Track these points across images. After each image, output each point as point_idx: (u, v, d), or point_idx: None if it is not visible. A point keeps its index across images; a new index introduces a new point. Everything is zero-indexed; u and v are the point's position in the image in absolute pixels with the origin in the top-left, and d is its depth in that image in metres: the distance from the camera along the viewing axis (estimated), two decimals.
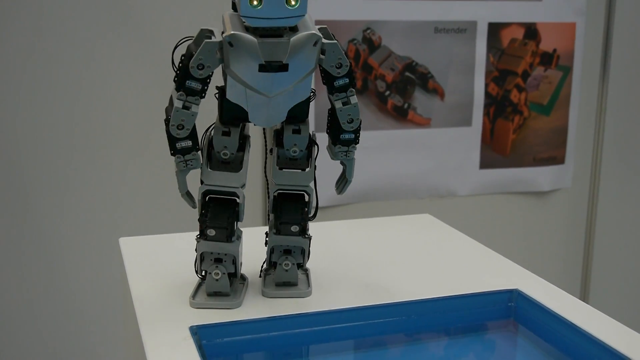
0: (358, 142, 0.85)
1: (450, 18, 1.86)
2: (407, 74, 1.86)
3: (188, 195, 0.85)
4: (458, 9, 1.86)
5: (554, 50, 1.97)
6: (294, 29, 0.77)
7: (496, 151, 1.98)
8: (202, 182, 0.84)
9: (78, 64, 1.64)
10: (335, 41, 0.80)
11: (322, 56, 0.79)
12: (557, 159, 2.04)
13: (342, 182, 0.89)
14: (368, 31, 1.80)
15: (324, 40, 0.78)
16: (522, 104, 1.98)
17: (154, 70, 1.65)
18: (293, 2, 0.74)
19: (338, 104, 0.82)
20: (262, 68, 0.75)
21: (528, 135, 2.00)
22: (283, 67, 0.76)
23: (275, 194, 0.86)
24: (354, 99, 0.82)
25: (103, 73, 1.66)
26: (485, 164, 1.98)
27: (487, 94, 1.94)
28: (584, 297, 2.15)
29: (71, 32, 1.62)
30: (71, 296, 1.74)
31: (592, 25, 2.00)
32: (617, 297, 2.21)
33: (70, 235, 1.70)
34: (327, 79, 0.81)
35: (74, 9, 1.61)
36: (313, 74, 0.80)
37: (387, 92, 1.85)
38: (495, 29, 1.91)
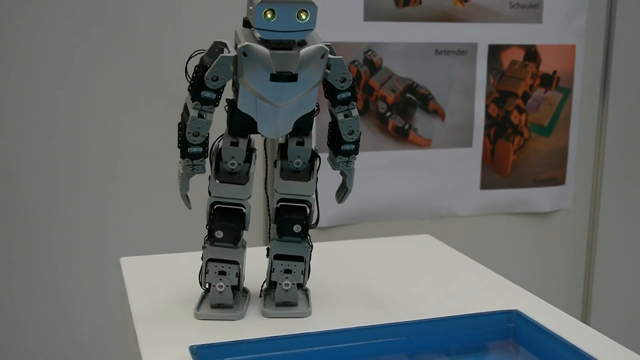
0: (358, 153, 0.89)
1: (451, 40, 1.87)
2: (408, 95, 1.87)
3: (187, 197, 0.88)
4: (458, 31, 1.88)
5: (554, 72, 1.98)
6: (302, 43, 0.82)
7: (497, 172, 1.99)
8: (209, 194, 0.86)
9: (82, 82, 1.65)
10: (341, 57, 0.84)
11: (327, 70, 0.83)
12: (557, 179, 2.05)
13: (343, 191, 0.92)
14: (369, 53, 1.82)
15: (330, 55, 0.83)
16: (523, 125, 1.98)
17: (158, 89, 1.67)
18: (304, 16, 0.79)
19: (340, 116, 0.86)
20: (274, 78, 0.80)
21: (528, 156, 2.01)
22: (293, 78, 0.80)
23: (278, 205, 0.88)
24: (355, 112, 0.86)
25: (107, 92, 1.67)
26: (486, 184, 1.99)
27: (488, 115, 1.95)
28: (585, 318, 2.15)
29: (72, 53, 1.63)
30: (72, 316, 1.73)
31: (591, 47, 2.01)
32: (619, 318, 2.20)
33: (71, 255, 1.71)
34: (330, 92, 0.86)
35: (73, 24, 1.62)
36: (318, 87, 0.84)
37: (388, 113, 1.86)
38: (495, 51, 1.92)
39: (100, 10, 1.62)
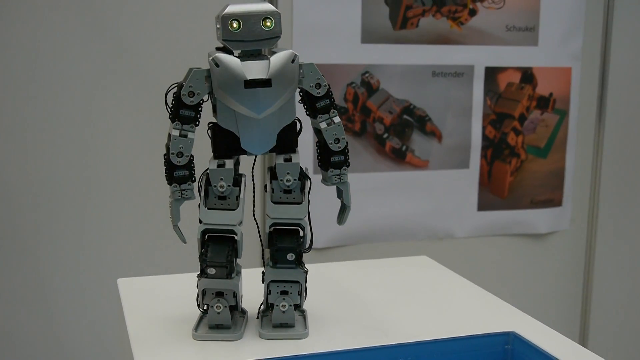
0: (349, 165, 0.89)
1: (448, 62, 1.89)
2: (405, 116, 1.88)
3: (179, 228, 0.88)
4: (455, 53, 1.89)
5: (551, 94, 1.99)
6: (272, 54, 0.83)
7: (494, 193, 1.99)
8: (200, 222, 0.85)
9: (76, 106, 1.66)
10: (312, 62, 0.85)
11: (301, 78, 0.84)
12: (554, 201, 2.05)
13: (343, 211, 0.91)
14: (366, 75, 1.83)
15: (301, 61, 0.84)
16: (519, 147, 1.99)
17: (152, 112, 1.67)
18: (269, 24, 0.81)
19: (323, 125, 0.86)
20: (247, 84, 0.81)
21: (525, 177, 2.01)
22: (267, 83, 0.82)
23: (271, 229, 0.87)
24: (337, 119, 0.87)
25: (102, 113, 1.67)
26: (483, 206, 1.99)
27: (485, 137, 1.96)
28: (583, 340, 2.14)
29: (69, 78, 1.64)
30: (69, 338, 1.73)
31: (587, 69, 2.03)
32: (616, 340, 2.19)
33: (68, 277, 1.70)
34: (309, 102, 0.86)
35: (70, 52, 1.63)
36: (296, 102, 0.85)
37: (386, 135, 1.87)
38: (492, 73, 1.93)
39: (95, 27, 1.64)
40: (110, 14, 1.64)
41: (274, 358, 0.83)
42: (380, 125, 1.86)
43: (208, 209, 0.85)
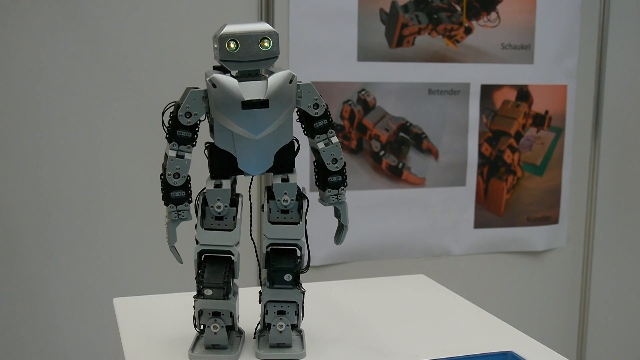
0: (347, 185, 0.88)
1: (444, 80, 1.89)
2: (402, 134, 1.88)
3: (175, 249, 0.87)
4: (451, 71, 1.90)
5: (546, 112, 2.00)
6: (270, 73, 0.83)
7: (490, 211, 1.99)
8: (197, 242, 0.85)
9: (76, 121, 1.65)
10: (310, 82, 0.84)
11: (299, 98, 0.84)
12: (550, 218, 2.05)
13: (340, 230, 0.91)
14: (363, 92, 1.83)
15: (299, 82, 0.83)
16: (516, 164, 2.00)
17: (151, 128, 1.67)
18: (266, 44, 0.81)
19: (321, 145, 0.86)
20: (245, 105, 0.81)
21: (522, 195, 2.01)
22: (264, 104, 0.81)
23: (268, 249, 0.87)
24: (334, 139, 0.86)
25: (102, 130, 1.67)
26: (479, 223, 1.99)
27: (481, 154, 1.96)
28: (580, 358, 2.14)
29: (66, 91, 1.64)
30: (64, 357, 1.72)
31: (583, 87, 2.03)
32: (614, 358, 2.19)
33: (63, 296, 1.69)
34: (307, 122, 0.86)
35: (69, 66, 1.63)
36: (294, 120, 0.84)
37: (382, 152, 1.87)
38: (488, 91, 1.94)
39: (94, 33, 1.64)
40: (108, 21, 1.64)
41: None
42: (376, 142, 1.86)
43: (205, 229, 0.85)
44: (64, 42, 1.62)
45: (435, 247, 1.96)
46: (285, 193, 0.86)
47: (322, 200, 0.90)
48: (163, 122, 0.84)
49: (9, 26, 1.59)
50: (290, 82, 0.82)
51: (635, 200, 2.15)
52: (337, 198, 0.88)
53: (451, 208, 1.95)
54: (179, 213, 0.84)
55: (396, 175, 1.89)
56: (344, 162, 0.87)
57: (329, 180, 0.87)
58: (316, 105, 0.84)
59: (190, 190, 0.84)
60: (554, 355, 0.91)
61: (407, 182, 1.90)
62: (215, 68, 0.85)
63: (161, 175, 0.84)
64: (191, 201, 0.85)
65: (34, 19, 1.59)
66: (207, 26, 1.68)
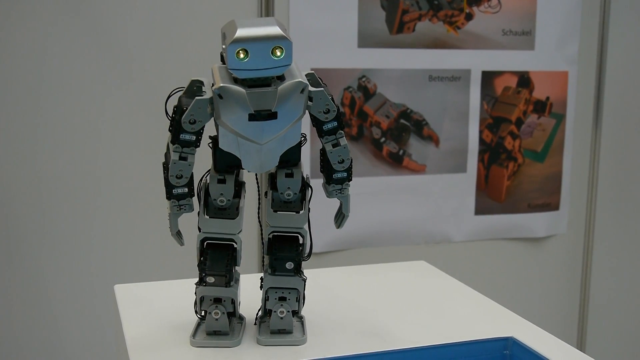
0: (351, 179, 0.87)
1: (445, 66, 1.89)
2: (402, 121, 1.88)
3: (178, 235, 0.87)
4: (452, 57, 1.89)
5: (547, 98, 1.99)
6: (281, 78, 0.80)
7: (491, 197, 1.99)
8: (199, 230, 0.85)
9: (76, 111, 1.65)
10: (322, 88, 0.82)
11: (309, 103, 0.81)
12: (551, 205, 2.05)
13: (340, 217, 0.91)
14: (363, 79, 1.83)
15: (310, 88, 0.81)
16: (516, 151, 1.99)
17: (150, 118, 1.67)
18: (278, 53, 0.76)
19: (328, 147, 0.84)
20: (252, 117, 0.78)
21: (523, 181, 2.01)
22: (272, 115, 0.78)
23: (270, 236, 0.87)
24: (343, 141, 0.84)
25: (102, 119, 1.67)
26: (480, 210, 1.99)
27: (482, 141, 1.96)
28: (581, 345, 2.14)
29: (69, 86, 1.64)
30: (65, 344, 1.72)
31: (584, 73, 2.03)
32: (614, 344, 2.19)
33: (64, 283, 1.70)
34: (316, 123, 0.84)
35: (70, 60, 1.63)
36: (301, 120, 0.82)
37: (383, 139, 1.87)
38: (488, 77, 1.93)
39: (95, 28, 1.64)
40: (110, 15, 1.63)
41: None
42: (377, 129, 1.86)
43: (208, 217, 0.84)
44: (66, 36, 1.61)
45: (436, 233, 1.96)
46: (289, 188, 0.85)
47: (326, 191, 0.89)
48: (166, 110, 0.82)
49: (11, 21, 1.58)
50: (302, 92, 0.79)
51: (636, 186, 2.15)
52: (341, 192, 0.88)
53: (452, 195, 1.95)
54: (181, 207, 0.84)
55: (397, 162, 1.89)
56: (351, 160, 0.85)
57: (333, 176, 0.86)
58: (327, 110, 0.82)
59: (193, 186, 0.84)
60: (554, 341, 0.92)
61: (407, 169, 1.90)
62: (222, 59, 0.82)
63: (163, 164, 0.83)
64: (193, 195, 0.84)
65: (36, 13, 1.59)
66: (209, 15, 1.68)
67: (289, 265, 0.86)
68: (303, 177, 0.86)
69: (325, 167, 0.87)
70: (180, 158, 0.81)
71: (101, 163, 1.69)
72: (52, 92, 1.63)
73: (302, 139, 0.84)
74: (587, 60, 2.03)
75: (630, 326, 2.22)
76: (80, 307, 1.71)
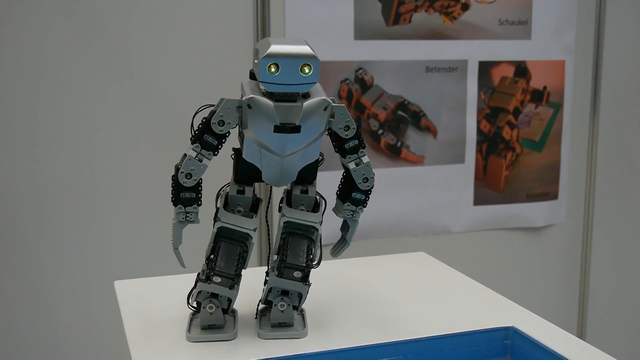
0: (366, 206, 0.90)
1: (441, 57, 1.89)
2: (400, 112, 1.88)
3: (179, 253, 0.88)
4: (448, 48, 1.89)
5: (544, 88, 1.99)
6: (305, 95, 0.83)
7: (490, 188, 1.99)
8: (218, 220, 0.86)
9: (76, 109, 1.65)
10: (343, 105, 0.85)
11: (331, 119, 0.84)
12: (550, 194, 2.05)
13: (341, 244, 0.94)
14: (360, 71, 1.82)
15: (333, 104, 0.84)
16: (514, 141, 1.99)
17: (151, 118, 1.67)
18: (307, 70, 0.80)
19: (352, 165, 0.87)
20: (277, 129, 0.81)
21: (521, 171, 2.01)
22: (296, 129, 0.82)
23: (283, 235, 0.88)
24: (365, 159, 0.87)
25: (102, 116, 1.67)
26: (479, 200, 1.99)
27: (479, 131, 1.96)
28: (581, 333, 2.15)
29: (67, 85, 1.63)
30: (66, 340, 1.72)
31: (581, 62, 2.03)
32: (614, 333, 2.20)
33: (64, 279, 1.70)
34: (338, 142, 0.87)
35: (71, 61, 1.63)
36: (322, 138, 0.85)
37: (380, 131, 1.87)
38: (486, 68, 1.93)
39: (95, 28, 1.63)
40: (109, 15, 1.63)
41: (273, 358, 0.83)
42: (374, 121, 1.86)
43: (227, 212, 0.86)
44: (64, 36, 1.60)
45: (435, 224, 1.96)
46: (302, 204, 0.88)
47: (337, 211, 0.91)
48: (192, 126, 0.84)
49: (10, 21, 1.58)
50: (325, 109, 0.83)
51: (634, 175, 2.15)
52: (353, 215, 0.91)
53: (450, 186, 1.95)
54: (187, 215, 0.85)
55: (395, 153, 1.89)
56: (374, 180, 0.88)
57: (352, 196, 0.89)
58: (347, 127, 0.85)
59: (201, 194, 0.85)
60: (555, 330, 0.92)
61: (406, 161, 1.90)
62: (251, 76, 0.85)
63: (173, 176, 0.84)
64: (200, 204, 0.85)
65: (34, 13, 1.58)
66: (206, 12, 1.68)
67: (297, 274, 0.88)
68: (316, 198, 0.89)
69: (345, 186, 0.90)
70: (197, 157, 0.82)
71: (100, 160, 1.69)
72: (50, 90, 1.63)
73: (320, 158, 0.87)
74: (584, 49, 2.03)
75: (630, 314, 2.22)
76: (80, 303, 1.71)
